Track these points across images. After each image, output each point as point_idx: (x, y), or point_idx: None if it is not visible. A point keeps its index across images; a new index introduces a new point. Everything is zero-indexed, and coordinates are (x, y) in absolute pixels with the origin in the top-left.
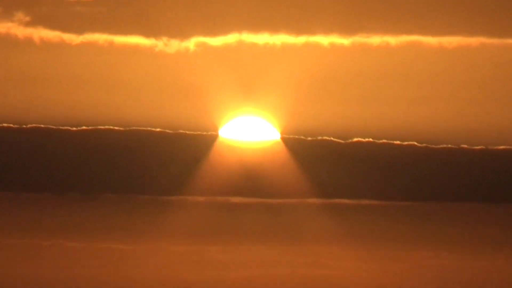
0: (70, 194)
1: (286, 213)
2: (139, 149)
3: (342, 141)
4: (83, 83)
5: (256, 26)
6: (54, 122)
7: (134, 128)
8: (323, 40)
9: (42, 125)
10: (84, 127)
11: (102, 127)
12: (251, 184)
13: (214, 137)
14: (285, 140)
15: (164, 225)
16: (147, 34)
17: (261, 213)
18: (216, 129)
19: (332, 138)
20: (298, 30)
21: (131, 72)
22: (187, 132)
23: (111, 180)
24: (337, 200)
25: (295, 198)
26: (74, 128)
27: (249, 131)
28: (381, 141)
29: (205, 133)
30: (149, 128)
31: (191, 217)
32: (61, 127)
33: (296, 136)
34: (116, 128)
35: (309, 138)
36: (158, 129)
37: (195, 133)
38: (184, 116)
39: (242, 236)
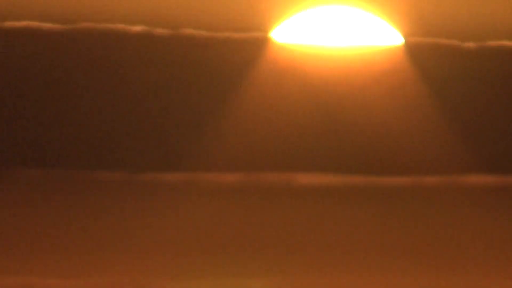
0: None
1: (425, 207)
2: None
3: None
4: None
5: None
6: None
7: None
8: None
9: None
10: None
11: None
12: (337, 148)
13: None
14: (411, 46)
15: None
16: None
17: (364, 210)
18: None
19: None
20: None
21: None
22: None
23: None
24: None
25: (440, 174)
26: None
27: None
28: None
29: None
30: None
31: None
32: None
33: (434, 40)
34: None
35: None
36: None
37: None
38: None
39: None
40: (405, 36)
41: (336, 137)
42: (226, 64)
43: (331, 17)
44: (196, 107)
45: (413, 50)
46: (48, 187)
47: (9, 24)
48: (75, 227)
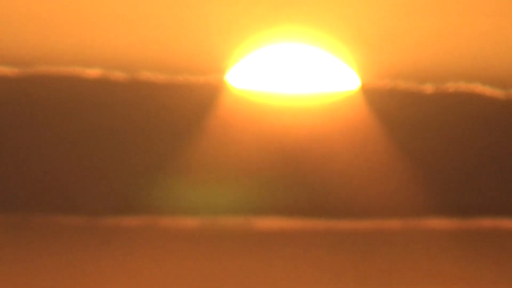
0: None
1: (384, 255)
2: None
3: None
4: None
5: None
6: None
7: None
8: None
9: None
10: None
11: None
12: (296, 189)
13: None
14: (368, 91)
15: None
16: None
17: (324, 254)
18: (222, 71)
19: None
20: None
21: None
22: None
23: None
24: (487, 222)
25: (400, 218)
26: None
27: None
28: None
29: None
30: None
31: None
32: None
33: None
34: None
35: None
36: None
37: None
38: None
39: None
40: (362, 78)
41: (295, 181)
42: (185, 108)
43: (285, 56)
44: (154, 152)
45: (370, 94)
46: (0, 234)
47: None
48: (30, 275)
